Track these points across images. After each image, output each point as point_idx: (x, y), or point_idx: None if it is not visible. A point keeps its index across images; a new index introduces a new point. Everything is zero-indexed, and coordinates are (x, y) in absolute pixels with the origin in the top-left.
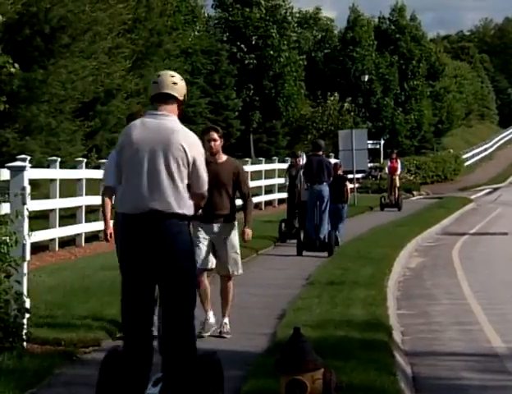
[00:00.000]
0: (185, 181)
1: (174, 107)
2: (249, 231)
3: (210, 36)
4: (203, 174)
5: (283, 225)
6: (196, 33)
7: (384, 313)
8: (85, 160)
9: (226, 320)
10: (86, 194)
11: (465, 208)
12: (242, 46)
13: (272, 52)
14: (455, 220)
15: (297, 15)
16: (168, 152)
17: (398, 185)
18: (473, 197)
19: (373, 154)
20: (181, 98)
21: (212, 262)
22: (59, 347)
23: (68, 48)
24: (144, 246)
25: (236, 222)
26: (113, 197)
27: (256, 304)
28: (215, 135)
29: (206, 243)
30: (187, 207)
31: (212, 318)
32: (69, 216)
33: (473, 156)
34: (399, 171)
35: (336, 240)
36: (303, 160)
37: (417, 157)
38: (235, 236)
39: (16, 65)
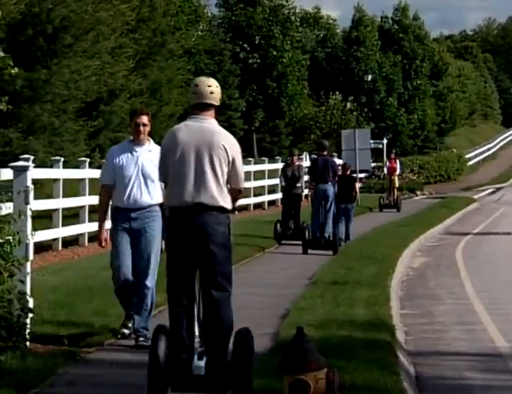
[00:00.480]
0: (225, 177)
1: (212, 112)
2: None
3: (213, 36)
4: (240, 171)
5: (278, 225)
6: (199, 33)
7: (387, 312)
8: (88, 160)
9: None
10: (89, 194)
11: (468, 207)
12: (245, 46)
13: (274, 53)
14: (458, 220)
15: (299, 14)
16: (212, 151)
17: (397, 185)
18: (476, 197)
19: (376, 154)
20: (218, 103)
21: None
22: (62, 347)
23: (71, 48)
24: (189, 235)
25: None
26: (111, 196)
27: (259, 304)
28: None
29: None
30: (227, 201)
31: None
32: (72, 215)
33: (476, 156)
34: (398, 172)
35: (347, 235)
36: (305, 160)
37: (420, 156)
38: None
39: (16, 69)
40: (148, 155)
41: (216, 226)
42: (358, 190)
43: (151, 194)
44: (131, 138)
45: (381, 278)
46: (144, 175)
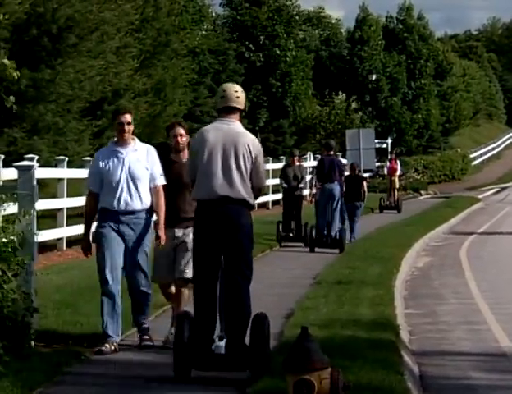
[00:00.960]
0: (249, 174)
1: (237, 115)
2: None
3: (217, 35)
4: (262, 170)
5: (280, 227)
6: (203, 32)
7: (391, 312)
8: (92, 159)
9: (173, 330)
10: None
11: (473, 207)
12: (250, 45)
13: (278, 52)
14: (463, 219)
15: (303, 14)
16: (237, 150)
17: (397, 186)
18: (480, 196)
19: (381, 154)
20: (243, 107)
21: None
22: (67, 346)
23: (75, 48)
24: (215, 225)
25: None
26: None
27: (263, 303)
28: (182, 131)
29: (171, 250)
30: (250, 195)
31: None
32: (76, 215)
33: (480, 155)
34: (398, 172)
35: (352, 233)
36: (309, 160)
37: (424, 156)
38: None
39: (18, 72)
40: (135, 155)
41: (240, 217)
42: (366, 189)
43: (141, 197)
44: (115, 139)
45: (386, 278)
46: (132, 177)
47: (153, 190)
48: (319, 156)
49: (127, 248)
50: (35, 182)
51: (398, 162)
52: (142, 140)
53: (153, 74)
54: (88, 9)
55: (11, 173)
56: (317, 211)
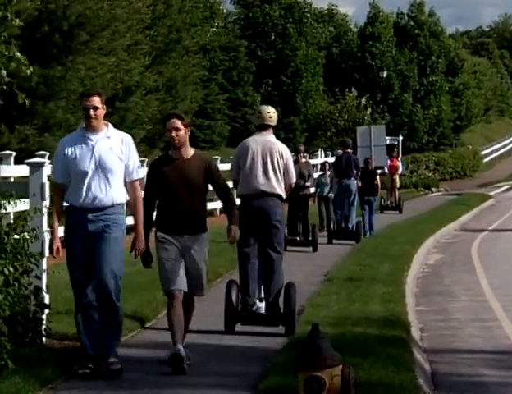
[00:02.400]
0: (281, 174)
1: (271, 130)
2: (235, 229)
3: (228, 32)
4: (291, 170)
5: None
6: (214, 29)
7: (402, 309)
8: None
9: (180, 346)
10: None
11: (484, 204)
12: (261, 44)
13: (289, 52)
14: (474, 216)
15: (314, 11)
16: (272, 156)
17: (398, 185)
18: (491, 193)
19: (392, 150)
20: (274, 124)
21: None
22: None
23: (87, 45)
24: (256, 213)
25: (207, 234)
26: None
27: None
28: (178, 124)
29: (179, 258)
30: (282, 190)
31: (182, 350)
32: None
33: (492, 152)
34: (400, 170)
35: (370, 226)
36: (320, 157)
37: (435, 153)
38: (205, 250)
39: (31, 68)
40: (107, 143)
41: (274, 207)
42: (379, 184)
43: (113, 191)
44: (84, 125)
45: (397, 275)
46: (102, 167)
47: (129, 186)
48: (330, 153)
49: (97, 251)
50: (46, 179)
51: (399, 160)
52: (153, 139)
53: (164, 71)
54: (99, 6)
55: (22, 170)
56: (335, 205)
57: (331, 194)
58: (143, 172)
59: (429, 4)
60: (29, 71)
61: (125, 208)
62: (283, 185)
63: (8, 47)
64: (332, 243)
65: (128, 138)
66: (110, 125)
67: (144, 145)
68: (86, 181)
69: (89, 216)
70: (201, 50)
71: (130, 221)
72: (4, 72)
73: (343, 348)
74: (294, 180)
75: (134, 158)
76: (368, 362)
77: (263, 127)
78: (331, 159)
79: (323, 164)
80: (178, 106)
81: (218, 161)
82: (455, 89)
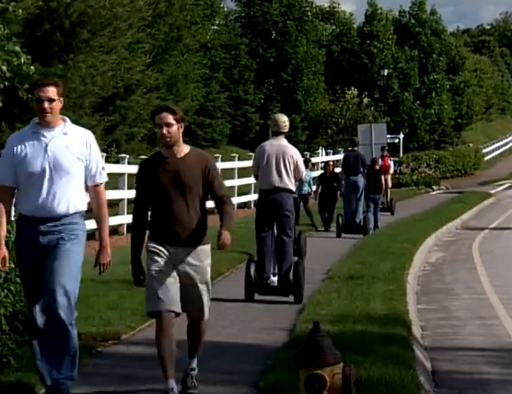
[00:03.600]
0: (292, 172)
1: (283, 136)
2: (226, 234)
3: (229, 30)
4: (301, 168)
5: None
6: (215, 27)
7: (403, 307)
8: (105, 154)
9: (195, 364)
10: (106, 189)
11: (485, 202)
12: (262, 43)
13: (289, 50)
14: (475, 215)
15: (315, 9)
16: (285, 157)
17: (390, 185)
18: (492, 192)
19: (392, 149)
20: (287, 131)
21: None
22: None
23: (88, 43)
24: (271, 205)
25: (209, 246)
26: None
27: (276, 298)
28: (170, 118)
29: (171, 273)
30: (292, 185)
31: (175, 388)
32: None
33: (493, 150)
34: (391, 170)
35: (375, 223)
36: (321, 155)
37: (436, 151)
38: (207, 266)
39: (33, 67)
40: (63, 140)
41: (286, 199)
42: (383, 183)
43: (70, 197)
44: (37, 120)
45: (398, 273)
46: (57, 169)
47: (91, 191)
48: (331, 151)
49: (49, 267)
50: None
51: (391, 159)
52: (154, 137)
53: (165, 69)
54: (100, 4)
55: None
56: (344, 201)
57: (310, 191)
58: (106, 175)
59: (430, 2)
60: (31, 70)
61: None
62: (293, 181)
63: (9, 43)
64: (341, 237)
65: (89, 135)
66: (68, 120)
67: (145, 144)
68: (38, 185)
69: (42, 227)
70: (202, 48)
71: (117, 221)
72: (5, 68)
73: (344, 346)
74: (303, 175)
75: (96, 158)
76: (368, 360)
77: (278, 133)
78: (334, 157)
79: (304, 161)
80: (179, 104)
81: (219, 159)
82: (456, 87)
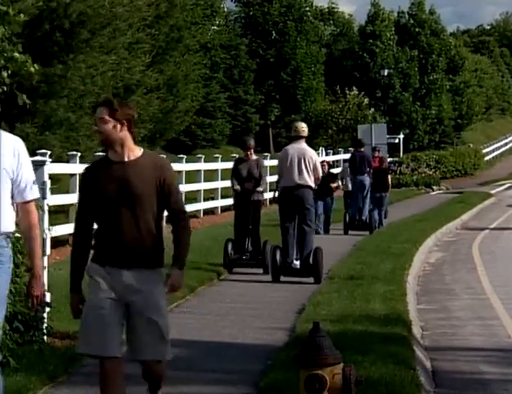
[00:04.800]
0: (311, 171)
1: (303, 140)
2: (177, 276)
3: (229, 31)
4: (318, 168)
5: (230, 246)
6: (215, 28)
7: (403, 307)
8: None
9: None
10: None
11: (485, 202)
12: (262, 43)
13: (289, 50)
14: (475, 215)
15: (315, 10)
16: (306, 158)
17: None
18: (492, 192)
19: (392, 149)
20: (306, 135)
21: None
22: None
23: (88, 43)
24: (293, 199)
25: (164, 270)
26: None
27: (276, 299)
28: (104, 114)
29: (113, 304)
30: (312, 182)
31: None
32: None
33: (493, 150)
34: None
35: (380, 221)
36: (321, 155)
37: (436, 151)
38: (161, 293)
39: (36, 65)
40: None
41: (307, 194)
42: (390, 181)
43: None
44: None
45: (398, 273)
46: None
47: (21, 209)
48: (331, 151)
49: None
50: (47, 177)
51: (388, 160)
52: (154, 138)
53: (165, 69)
54: (100, 4)
55: None
56: (350, 199)
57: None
58: (38, 191)
59: (429, 2)
60: (32, 69)
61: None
62: (313, 178)
63: (10, 45)
64: (348, 234)
65: (19, 144)
66: None
67: (145, 144)
68: None
69: None
70: (202, 48)
71: None
72: (5, 74)
73: (344, 346)
74: (320, 174)
75: (26, 170)
76: (369, 360)
77: (298, 138)
78: (333, 157)
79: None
80: (179, 104)
81: (219, 159)
82: (456, 87)
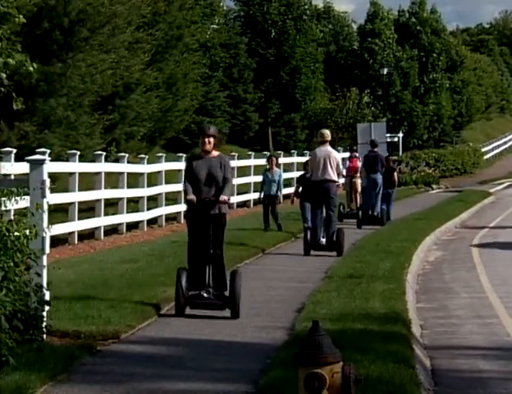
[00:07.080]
0: (335, 168)
1: (328, 143)
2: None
3: (229, 29)
4: (340, 165)
5: (184, 279)
6: (215, 26)
7: (403, 306)
8: (104, 153)
9: None
10: (105, 188)
11: (484, 201)
12: (261, 42)
13: (288, 49)
14: (475, 213)
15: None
16: (331, 159)
17: (359, 190)
18: (492, 190)
19: (392, 147)
20: (330, 139)
21: None
22: (79, 340)
23: (87, 42)
24: (320, 191)
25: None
26: None
27: (275, 298)
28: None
29: None
30: (336, 177)
31: None
32: (88, 209)
33: (492, 149)
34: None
35: (388, 216)
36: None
37: (436, 150)
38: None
39: (35, 64)
40: None
41: (332, 187)
42: (396, 179)
43: None
44: None
45: (397, 272)
46: None
47: None
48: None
49: None
50: (47, 176)
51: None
52: (153, 136)
53: (164, 68)
54: (99, 2)
55: (22, 167)
56: (364, 196)
57: (279, 194)
58: None
59: (431, 1)
60: (31, 68)
61: None
62: (336, 174)
63: (9, 44)
64: (361, 228)
65: None
66: None
67: (145, 143)
68: None
69: None
70: (201, 47)
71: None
72: (4, 75)
73: (344, 345)
74: (342, 172)
75: None
76: (368, 359)
77: (324, 142)
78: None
79: (269, 158)
80: (178, 103)
81: None
82: (455, 85)
